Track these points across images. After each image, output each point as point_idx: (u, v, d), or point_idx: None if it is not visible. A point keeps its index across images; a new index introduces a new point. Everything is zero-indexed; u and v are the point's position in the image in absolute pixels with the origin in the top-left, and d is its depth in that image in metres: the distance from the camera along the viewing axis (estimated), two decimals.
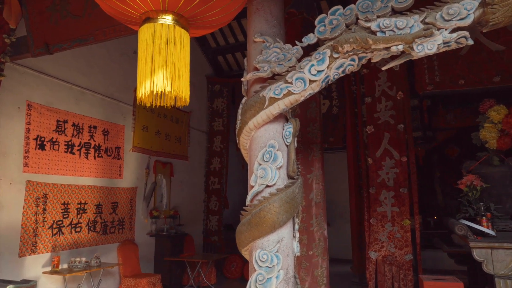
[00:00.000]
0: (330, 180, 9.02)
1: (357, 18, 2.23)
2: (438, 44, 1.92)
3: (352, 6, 2.27)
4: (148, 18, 1.86)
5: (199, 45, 8.73)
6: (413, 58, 2.01)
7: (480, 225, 3.55)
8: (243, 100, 2.54)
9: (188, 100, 1.93)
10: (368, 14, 2.19)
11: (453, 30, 1.99)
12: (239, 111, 2.51)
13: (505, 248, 3.09)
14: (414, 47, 1.94)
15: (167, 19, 1.85)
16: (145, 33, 1.82)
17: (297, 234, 2.41)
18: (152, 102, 1.86)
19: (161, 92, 1.77)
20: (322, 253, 3.20)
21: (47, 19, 3.94)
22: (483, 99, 4.37)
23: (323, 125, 8.06)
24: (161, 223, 7.03)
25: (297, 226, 2.41)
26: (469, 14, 1.96)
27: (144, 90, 1.74)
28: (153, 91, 1.74)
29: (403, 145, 4.99)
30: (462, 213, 3.91)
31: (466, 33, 1.99)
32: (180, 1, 1.75)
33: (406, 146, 4.99)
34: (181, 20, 1.87)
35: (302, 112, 3.45)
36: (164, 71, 1.73)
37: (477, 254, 3.19)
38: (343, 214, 9.49)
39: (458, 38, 2.01)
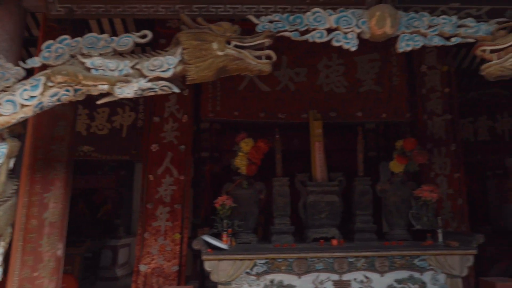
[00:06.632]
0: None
1: (82, 53, 2.38)
2: (135, 90, 2.23)
3: (79, 39, 2.40)
4: None
5: None
6: (115, 99, 2.27)
7: (221, 239, 4.17)
8: None
9: None
10: (91, 50, 2.36)
11: (156, 79, 2.35)
12: None
13: (228, 259, 3.73)
14: (115, 89, 2.20)
15: None
16: None
17: (1, 258, 2.33)
18: None
19: None
20: (50, 273, 3.16)
21: None
22: (266, 128, 5.23)
23: (129, 137, 7.97)
24: None
25: (2, 250, 2.33)
26: (169, 68, 2.36)
27: None
28: None
29: (183, 165, 5.44)
30: (214, 229, 4.52)
31: (167, 83, 2.38)
32: None
33: (185, 166, 5.45)
34: None
35: (47, 130, 3.36)
36: None
37: (207, 265, 3.73)
38: None
39: (162, 87, 2.39)
